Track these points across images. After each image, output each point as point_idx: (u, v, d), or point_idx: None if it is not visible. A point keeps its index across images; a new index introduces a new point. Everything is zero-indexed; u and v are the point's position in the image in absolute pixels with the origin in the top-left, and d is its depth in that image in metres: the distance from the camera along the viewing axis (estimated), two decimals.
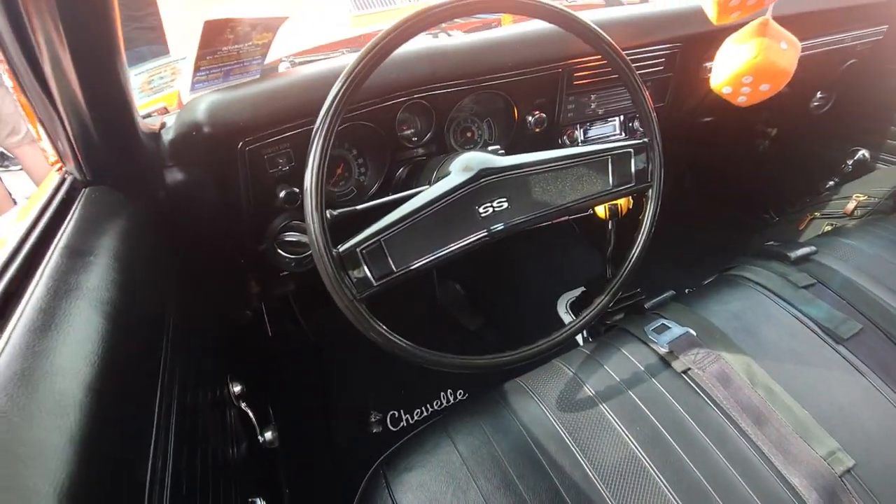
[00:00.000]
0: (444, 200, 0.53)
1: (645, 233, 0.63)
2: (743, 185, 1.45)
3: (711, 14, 0.64)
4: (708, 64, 0.90)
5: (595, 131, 0.93)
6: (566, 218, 1.14)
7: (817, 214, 1.12)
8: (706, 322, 0.75)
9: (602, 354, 0.73)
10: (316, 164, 0.44)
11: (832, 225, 1.07)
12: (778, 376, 0.67)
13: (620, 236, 0.98)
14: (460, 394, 1.09)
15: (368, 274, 0.49)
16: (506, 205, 0.56)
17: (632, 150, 0.59)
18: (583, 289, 1.17)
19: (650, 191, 0.61)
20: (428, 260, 0.52)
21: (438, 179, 0.57)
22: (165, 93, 0.65)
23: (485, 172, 0.55)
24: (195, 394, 0.61)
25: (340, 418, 1.01)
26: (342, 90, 0.46)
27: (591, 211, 1.00)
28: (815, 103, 1.19)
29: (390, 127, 0.75)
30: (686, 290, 0.91)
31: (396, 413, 1.05)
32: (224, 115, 0.56)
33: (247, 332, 1.09)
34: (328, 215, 0.53)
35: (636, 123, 0.95)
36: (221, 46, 0.61)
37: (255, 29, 0.62)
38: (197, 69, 0.62)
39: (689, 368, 0.69)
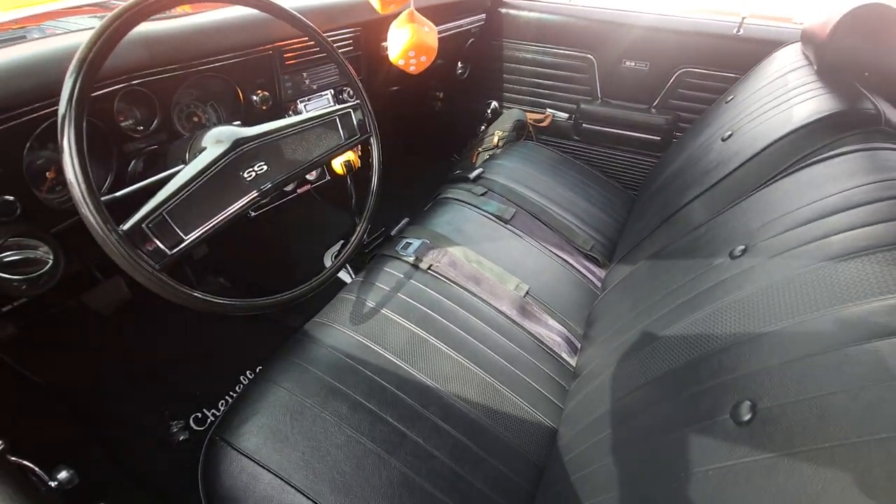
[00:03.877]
0: (210, 170, 0.60)
1: (377, 173, 0.84)
2: (434, 137, 1.87)
3: (376, 6, 0.86)
4: (384, 43, 1.16)
5: (314, 104, 1.08)
6: (308, 187, 1.28)
7: (480, 149, 1.59)
8: (433, 232, 1.05)
9: (371, 277, 0.93)
10: (75, 156, 0.45)
11: (489, 153, 1.55)
12: (479, 251, 1.02)
13: (358, 189, 1.19)
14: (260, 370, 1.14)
15: (160, 245, 0.52)
16: (266, 167, 0.67)
17: (351, 110, 0.78)
18: (342, 241, 1.36)
19: (372, 139, 0.81)
20: (214, 223, 0.59)
21: (195, 156, 0.63)
22: None
23: (240, 142, 0.64)
24: None
25: (135, 447, 0.92)
26: (82, 72, 0.47)
27: (328, 177, 1.17)
28: (459, 71, 1.65)
29: (110, 118, 0.72)
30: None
31: (199, 414, 1.02)
32: None
33: None
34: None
35: (345, 95, 1.14)
36: None
37: None
38: None
39: (432, 265, 0.96)
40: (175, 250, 0.54)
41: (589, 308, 1.02)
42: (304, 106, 1.06)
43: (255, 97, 0.93)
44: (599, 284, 1.09)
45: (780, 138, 0.75)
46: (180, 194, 0.55)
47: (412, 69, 0.97)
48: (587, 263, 1.13)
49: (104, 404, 0.94)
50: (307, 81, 1.03)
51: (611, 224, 1.28)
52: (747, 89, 1.06)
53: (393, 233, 1.06)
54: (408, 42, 0.91)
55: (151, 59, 0.69)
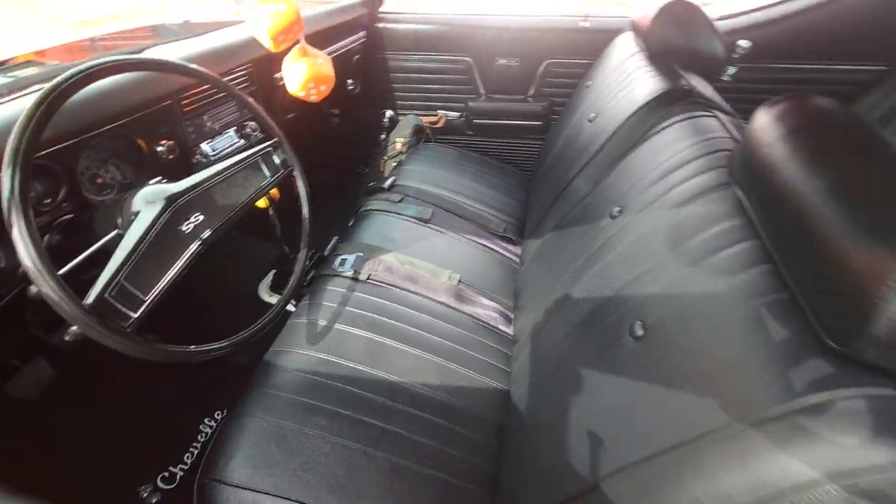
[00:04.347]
0: (152, 232, 0.62)
1: (306, 202, 0.90)
2: (338, 153, 1.92)
3: (269, 46, 0.91)
4: (277, 75, 1.19)
5: (219, 143, 1.08)
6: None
7: (385, 158, 1.67)
8: (364, 244, 1.12)
9: (316, 298, 0.99)
10: (30, 244, 0.46)
11: (395, 161, 1.64)
12: (410, 253, 1.11)
13: (281, 217, 1.22)
14: (218, 414, 1.13)
15: (125, 310, 0.55)
16: (202, 217, 0.70)
17: (271, 148, 0.83)
18: (273, 271, 1.37)
19: (296, 171, 0.87)
20: (168, 279, 0.62)
21: (129, 220, 0.64)
22: None
23: (172, 198, 0.67)
24: None
25: None
26: (18, 164, 0.48)
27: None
28: (350, 87, 1.71)
29: None
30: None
31: (166, 473, 1.01)
32: None
33: None
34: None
35: (248, 130, 1.16)
36: None
37: None
38: None
39: (370, 275, 1.04)
40: (141, 312, 0.57)
41: (514, 282, 1.16)
42: (210, 146, 1.07)
43: (159, 148, 0.92)
44: (518, 260, 1.25)
45: (630, 116, 0.94)
46: (131, 260, 0.58)
47: (314, 98, 1.03)
48: (503, 244, 1.28)
49: (64, 490, 0.90)
50: (209, 123, 1.04)
51: (515, 205, 1.45)
52: (600, 74, 1.26)
53: (326, 253, 1.11)
54: (306, 75, 0.97)
55: (55, 133, 0.69)
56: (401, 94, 1.76)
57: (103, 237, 0.65)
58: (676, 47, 1.00)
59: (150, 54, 0.92)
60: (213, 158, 1.04)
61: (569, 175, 1.07)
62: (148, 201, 0.66)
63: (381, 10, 1.62)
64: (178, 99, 0.93)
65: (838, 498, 0.32)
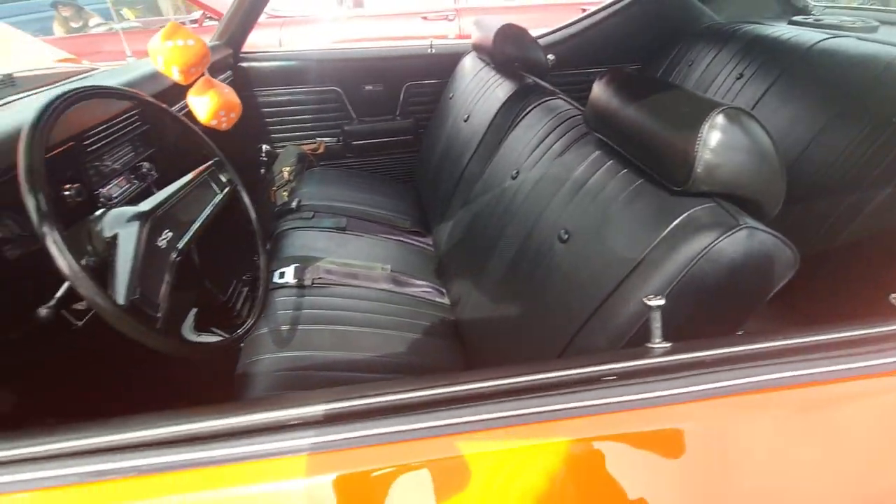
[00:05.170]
0: (142, 245, 0.65)
1: (255, 216, 0.95)
2: None
3: (179, 79, 0.95)
4: (176, 107, 1.20)
5: (120, 185, 1.05)
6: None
7: (275, 188, 1.71)
8: (296, 257, 1.19)
9: (267, 311, 1.03)
10: (65, 251, 0.48)
11: (286, 190, 1.70)
12: (341, 256, 1.22)
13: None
14: None
15: (150, 312, 0.57)
16: (171, 233, 0.73)
17: (214, 166, 0.87)
18: (195, 309, 1.31)
19: (239, 186, 0.92)
20: (168, 285, 0.65)
21: (104, 243, 0.65)
22: None
23: (146, 215, 0.69)
24: None
25: None
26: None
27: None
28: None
29: None
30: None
31: None
32: None
33: None
34: None
35: (143, 169, 1.14)
36: None
37: None
38: None
39: (314, 279, 1.12)
40: (161, 313, 0.60)
41: (432, 265, 1.34)
42: (109, 190, 1.03)
43: (65, 192, 0.88)
44: (430, 247, 1.43)
45: (499, 109, 1.21)
46: (133, 271, 0.61)
47: (224, 126, 1.08)
48: (414, 237, 1.45)
49: None
50: (109, 164, 1.01)
51: (409, 206, 1.63)
52: (459, 86, 1.55)
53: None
54: (215, 104, 1.03)
55: None
56: (275, 127, 1.82)
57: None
58: (515, 58, 1.32)
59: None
60: (116, 201, 1.01)
61: (462, 163, 1.30)
62: (121, 223, 0.67)
63: (243, 50, 1.68)
64: (81, 140, 0.90)
65: (705, 262, 0.57)
